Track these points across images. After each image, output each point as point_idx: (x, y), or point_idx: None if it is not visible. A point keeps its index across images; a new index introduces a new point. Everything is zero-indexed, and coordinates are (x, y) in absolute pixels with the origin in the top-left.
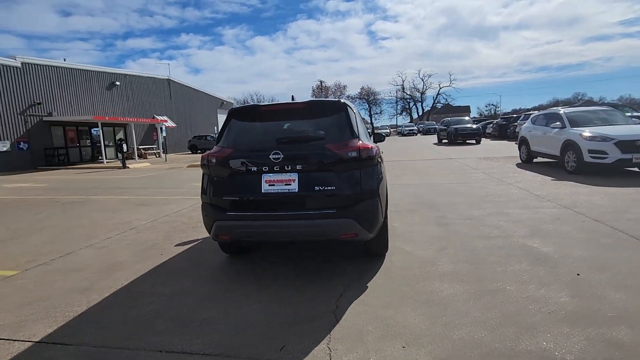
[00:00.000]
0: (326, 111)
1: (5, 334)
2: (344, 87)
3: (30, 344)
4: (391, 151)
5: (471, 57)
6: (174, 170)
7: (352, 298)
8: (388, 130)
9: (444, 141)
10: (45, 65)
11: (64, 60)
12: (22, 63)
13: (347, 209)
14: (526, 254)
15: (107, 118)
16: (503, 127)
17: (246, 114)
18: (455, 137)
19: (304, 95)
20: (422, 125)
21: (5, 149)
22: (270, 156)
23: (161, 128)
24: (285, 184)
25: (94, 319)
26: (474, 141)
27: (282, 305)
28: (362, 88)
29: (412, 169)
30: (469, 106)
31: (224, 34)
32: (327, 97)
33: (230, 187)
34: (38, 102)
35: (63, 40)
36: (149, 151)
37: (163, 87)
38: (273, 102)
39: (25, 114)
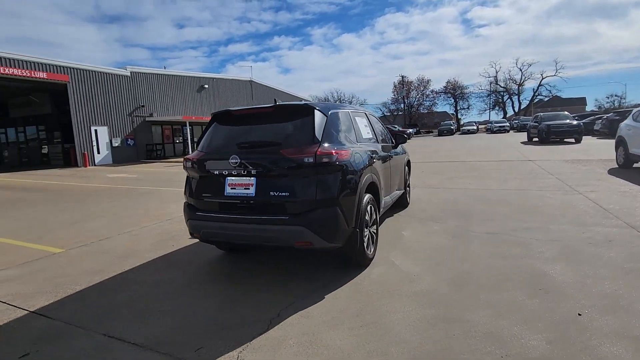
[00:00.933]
0: (291, 115)
1: (18, 302)
2: (428, 81)
3: (25, 312)
4: (461, 150)
5: (590, 40)
6: None
7: (299, 308)
8: (475, 127)
9: (534, 140)
10: (148, 73)
11: (164, 68)
12: (130, 72)
13: (300, 216)
14: (531, 280)
15: (193, 118)
16: (614, 123)
17: (222, 118)
18: (548, 135)
19: (386, 92)
20: (516, 122)
21: (117, 144)
22: (229, 160)
23: None
24: (245, 188)
25: (81, 299)
26: (572, 140)
27: (235, 306)
28: (448, 82)
29: (474, 171)
30: (584, 98)
31: (313, 33)
32: (409, 92)
33: (201, 188)
34: (142, 104)
35: (178, 50)
36: None
37: (245, 88)
38: (247, 107)
39: (132, 115)
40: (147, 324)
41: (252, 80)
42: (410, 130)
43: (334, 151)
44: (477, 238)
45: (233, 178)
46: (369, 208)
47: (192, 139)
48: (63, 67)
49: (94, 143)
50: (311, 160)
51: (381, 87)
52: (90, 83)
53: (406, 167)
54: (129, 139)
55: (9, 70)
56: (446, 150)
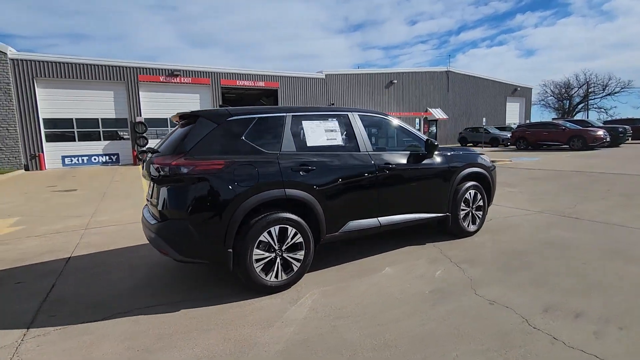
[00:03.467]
0: (188, 123)
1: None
2: None
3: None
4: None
5: None
6: None
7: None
8: None
9: None
10: (340, 74)
11: (357, 67)
12: (325, 75)
13: (158, 224)
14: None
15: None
16: None
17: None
18: None
19: None
20: None
21: None
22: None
23: (424, 119)
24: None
25: (67, 261)
26: None
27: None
28: None
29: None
30: None
31: (572, 2)
32: None
33: None
34: (332, 103)
35: (408, 46)
36: None
37: (440, 79)
38: (183, 112)
39: None
40: (75, 312)
41: (449, 70)
42: (602, 132)
43: (187, 162)
44: (466, 299)
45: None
46: (276, 230)
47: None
48: (275, 76)
49: None
50: (165, 171)
51: None
52: (294, 87)
53: (461, 183)
54: None
55: (241, 82)
56: None
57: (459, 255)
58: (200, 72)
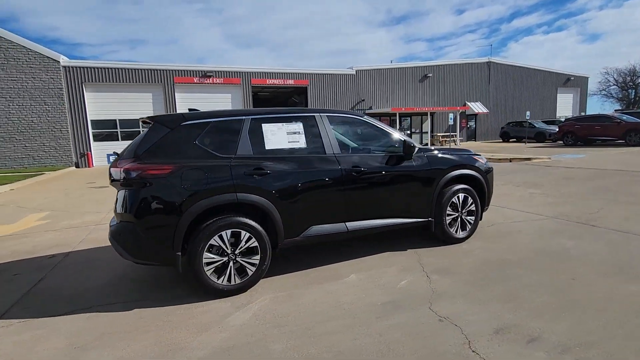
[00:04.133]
0: (147, 128)
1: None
2: None
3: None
4: None
5: None
6: None
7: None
8: None
9: None
10: (370, 70)
11: (391, 62)
12: (356, 71)
13: (114, 226)
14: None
15: (403, 109)
16: None
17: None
18: None
19: None
20: None
21: None
22: None
23: (460, 114)
24: None
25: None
26: None
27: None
28: None
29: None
30: None
31: None
32: None
33: None
34: (362, 99)
35: (455, 37)
36: (447, 139)
37: (481, 71)
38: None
39: (354, 109)
40: (51, 304)
41: (490, 61)
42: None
43: (136, 166)
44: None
45: None
46: (227, 234)
47: (414, 130)
48: (304, 73)
49: None
50: (119, 174)
51: None
52: (323, 84)
53: (448, 187)
54: None
55: (271, 81)
56: None
57: (435, 263)
58: (232, 72)
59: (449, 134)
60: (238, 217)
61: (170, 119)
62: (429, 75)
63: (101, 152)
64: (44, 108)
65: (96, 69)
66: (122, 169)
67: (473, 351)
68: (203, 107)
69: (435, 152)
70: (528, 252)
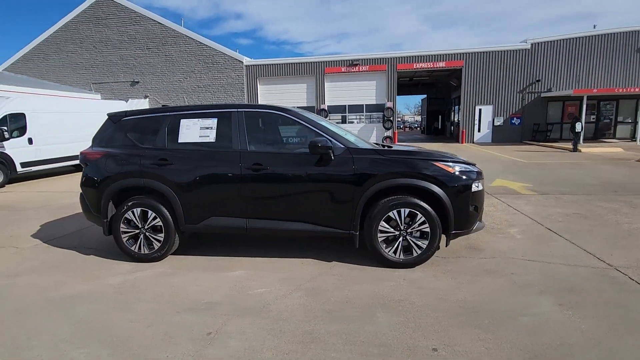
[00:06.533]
0: None
1: None
2: None
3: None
4: None
5: None
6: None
7: None
8: None
9: None
10: (554, 41)
11: (594, 27)
12: (531, 44)
13: None
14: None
15: (594, 90)
16: None
17: None
18: None
19: None
20: None
21: (499, 123)
22: None
23: None
24: None
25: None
26: None
27: None
28: None
29: None
30: None
31: None
32: None
33: None
34: (538, 79)
35: None
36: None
37: None
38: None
39: (524, 92)
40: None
41: None
42: None
43: (85, 152)
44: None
45: None
46: (137, 211)
47: (616, 118)
48: (459, 53)
49: (476, 122)
50: (80, 156)
51: None
52: (482, 64)
53: (382, 197)
54: (515, 118)
55: (418, 65)
56: None
57: (327, 282)
58: (377, 59)
59: None
60: (150, 199)
61: (116, 115)
62: None
63: None
64: (232, 100)
65: (266, 66)
66: (81, 152)
67: None
68: (348, 95)
69: (373, 154)
70: (451, 301)
